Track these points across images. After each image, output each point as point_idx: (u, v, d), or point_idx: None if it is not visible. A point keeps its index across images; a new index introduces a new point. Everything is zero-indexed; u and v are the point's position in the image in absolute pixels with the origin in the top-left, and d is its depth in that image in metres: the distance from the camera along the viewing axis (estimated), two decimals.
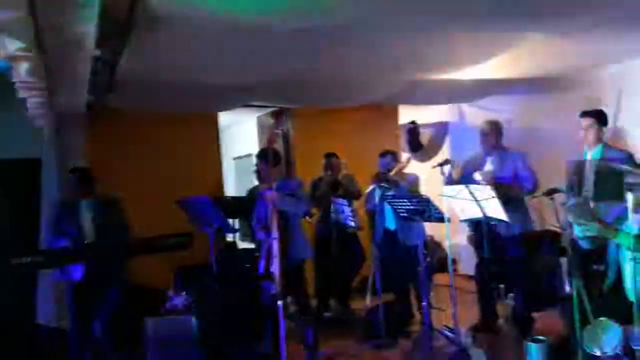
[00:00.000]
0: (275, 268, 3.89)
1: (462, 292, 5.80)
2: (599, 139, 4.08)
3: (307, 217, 5.06)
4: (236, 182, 7.87)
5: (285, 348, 3.91)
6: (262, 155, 4.10)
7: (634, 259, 2.86)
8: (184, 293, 3.43)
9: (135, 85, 4.25)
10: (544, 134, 6.26)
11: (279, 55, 3.96)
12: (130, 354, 4.05)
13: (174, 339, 3.26)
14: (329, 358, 4.37)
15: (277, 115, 4.24)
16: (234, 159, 7.88)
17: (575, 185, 4.06)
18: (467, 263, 6.34)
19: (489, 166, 4.57)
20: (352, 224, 4.94)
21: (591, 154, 4.08)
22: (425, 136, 7.63)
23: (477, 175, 4.50)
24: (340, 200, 4.94)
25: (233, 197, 5.73)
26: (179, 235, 3.90)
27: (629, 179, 3.06)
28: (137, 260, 4.39)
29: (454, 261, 7.24)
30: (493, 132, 4.60)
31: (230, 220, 4.98)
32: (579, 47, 4.30)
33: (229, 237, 5.53)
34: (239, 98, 5.16)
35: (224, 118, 6.78)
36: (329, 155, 5.54)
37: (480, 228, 4.46)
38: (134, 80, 4.10)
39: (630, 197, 2.83)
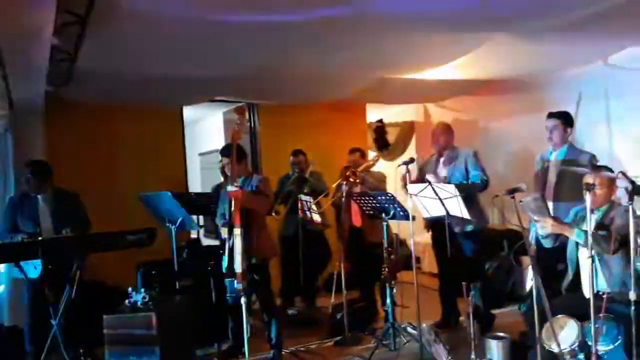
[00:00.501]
0: (239, 265, 3.85)
1: (426, 289, 5.85)
2: (564, 140, 4.17)
3: (273, 214, 5.03)
4: (202, 178, 7.77)
5: (248, 346, 3.88)
6: (226, 151, 4.04)
7: (591, 257, 2.94)
8: (144, 290, 3.34)
9: (96, 76, 4.13)
10: (507, 134, 6.40)
11: (245, 49, 3.90)
12: (88, 352, 3.95)
13: (133, 336, 3.17)
14: (293, 355, 4.35)
15: (242, 110, 4.16)
16: (200, 154, 7.76)
17: (540, 184, 4.18)
18: (432, 261, 6.42)
19: (442, 166, 4.66)
20: (319, 220, 4.93)
21: (556, 155, 4.18)
22: (392, 135, 7.69)
23: (431, 178, 4.56)
24: (307, 198, 4.92)
25: (196, 193, 5.64)
26: (141, 231, 3.82)
27: (589, 180, 3.14)
28: (98, 257, 4.28)
29: (418, 259, 7.33)
30: (444, 133, 4.71)
31: (195, 217, 4.92)
32: (542, 50, 4.39)
33: (193, 234, 5.45)
34: (203, 92, 5.08)
35: (190, 113, 6.67)
36: (297, 152, 5.51)
37: (437, 227, 4.53)
38: (94, 71, 3.98)
39: (588, 197, 2.89)
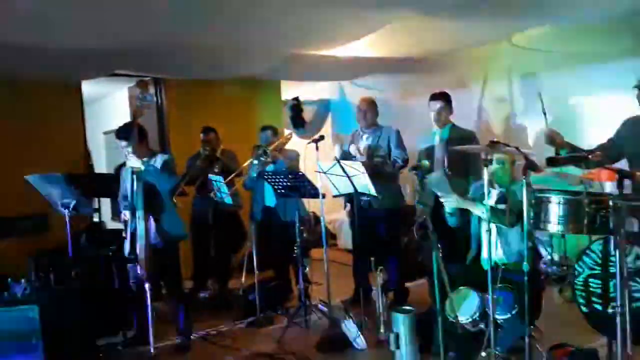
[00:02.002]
0: (141, 250, 3.66)
1: (343, 266, 5.92)
2: (447, 120, 4.34)
3: (179, 196, 4.81)
4: (107, 158, 7.34)
5: (154, 333, 3.72)
6: (121, 133, 3.78)
7: (489, 230, 3.03)
8: (24, 280, 3.07)
9: None
10: (421, 112, 6.52)
11: (145, 20, 3.64)
12: None
13: (13, 332, 2.89)
14: (203, 339, 4.23)
15: (145, 85, 3.90)
16: (105, 133, 7.31)
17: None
18: (348, 237, 6.49)
19: (365, 142, 4.65)
20: (230, 201, 4.78)
21: (440, 134, 4.36)
22: (308, 113, 7.63)
23: (353, 149, 4.57)
24: (217, 177, 4.74)
25: (95, 174, 5.29)
26: (32, 217, 3.53)
27: (485, 156, 3.23)
28: None
29: (334, 236, 7.40)
30: (369, 110, 4.68)
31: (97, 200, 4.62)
32: (450, 29, 4.45)
33: (95, 218, 5.13)
34: (102, 66, 4.71)
35: (92, 89, 6.25)
36: (207, 130, 5.28)
37: (355, 202, 4.56)
38: None
39: (485, 172, 2.96)
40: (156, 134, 6.00)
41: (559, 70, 5.14)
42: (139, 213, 3.69)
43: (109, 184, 4.18)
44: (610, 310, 2.77)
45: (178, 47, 4.29)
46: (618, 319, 2.44)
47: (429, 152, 4.38)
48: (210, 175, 4.83)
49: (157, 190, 3.77)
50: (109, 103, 7.42)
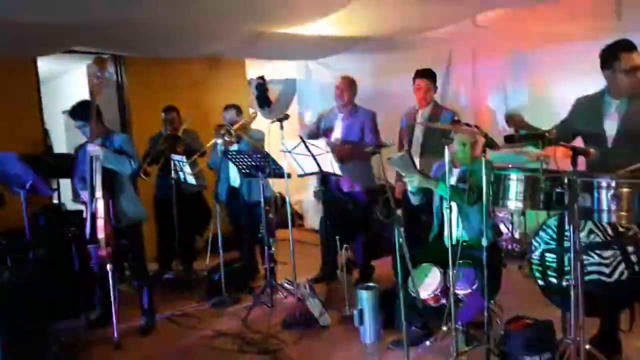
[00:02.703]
0: (102, 231, 3.59)
1: (309, 245, 5.96)
2: (431, 98, 4.33)
3: (142, 176, 4.73)
4: (67, 137, 7.13)
5: (117, 314, 3.68)
6: (76, 113, 3.67)
7: (449, 208, 3.08)
8: None
9: None
10: (388, 93, 6.53)
11: None
12: None
13: None
14: (168, 320, 4.21)
15: (103, 61, 3.78)
16: (64, 112, 7.08)
17: (405, 141, 4.34)
18: (315, 217, 6.51)
19: (339, 124, 4.64)
20: (193, 182, 4.73)
21: (422, 112, 4.33)
22: (273, 92, 7.55)
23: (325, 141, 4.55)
24: (179, 157, 4.67)
25: (52, 154, 5.12)
26: None
27: (453, 136, 3.27)
28: None
29: (301, 216, 7.42)
30: (348, 89, 4.63)
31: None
32: (414, 8, 4.43)
33: (55, 199, 4.99)
34: (57, 42, 4.53)
35: (50, 66, 6.03)
36: (168, 109, 5.19)
37: (327, 183, 4.57)
38: None
39: (447, 151, 2.99)
40: (117, 113, 5.85)
41: (525, 51, 5.20)
42: (98, 194, 3.62)
43: (67, 165, 4.06)
44: (564, 283, 2.86)
45: (138, 23, 4.16)
46: (572, 292, 2.52)
47: (410, 130, 4.37)
48: (173, 155, 4.76)
49: (114, 171, 3.69)
50: (66, 81, 7.17)
